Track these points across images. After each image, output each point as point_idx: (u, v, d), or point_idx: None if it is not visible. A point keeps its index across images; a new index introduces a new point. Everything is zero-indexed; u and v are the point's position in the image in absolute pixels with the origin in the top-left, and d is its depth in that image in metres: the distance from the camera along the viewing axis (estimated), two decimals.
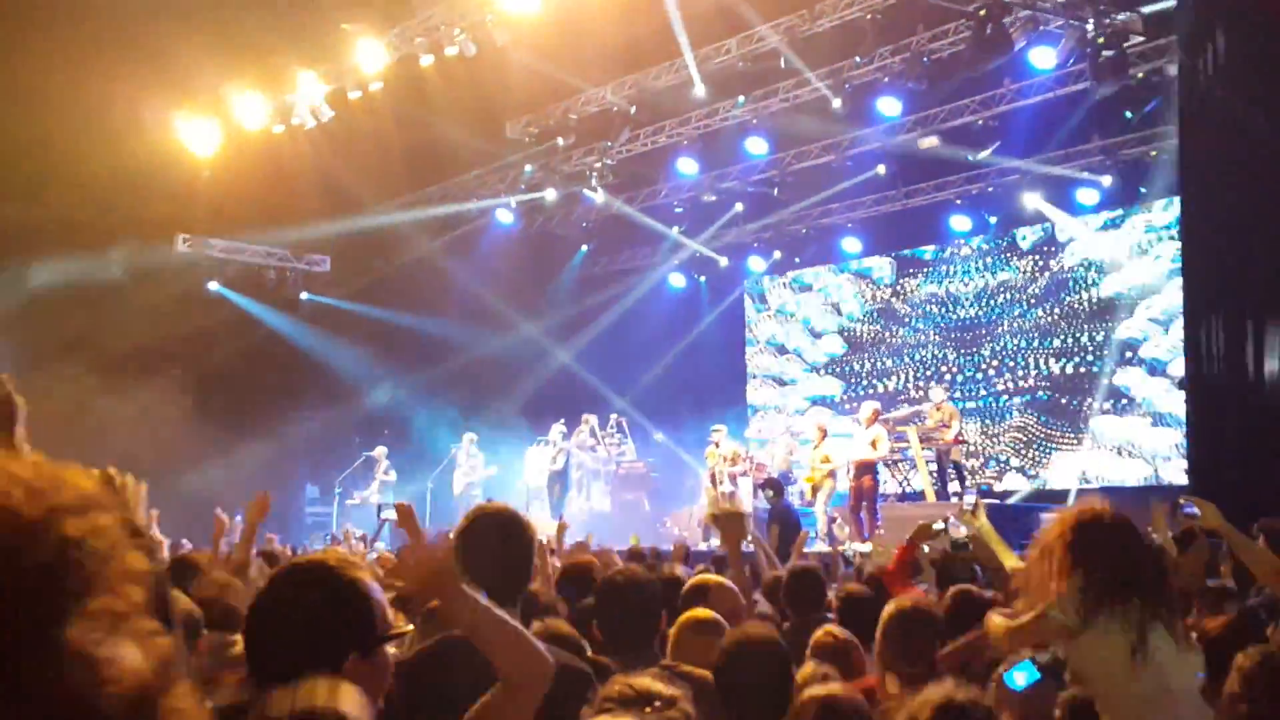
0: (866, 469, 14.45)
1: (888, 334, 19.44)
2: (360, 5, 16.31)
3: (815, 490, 14.91)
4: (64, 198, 19.80)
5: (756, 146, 17.29)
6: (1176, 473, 15.45)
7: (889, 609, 4.04)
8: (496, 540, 3.10)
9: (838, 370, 20.01)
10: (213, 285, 20.00)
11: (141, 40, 16.13)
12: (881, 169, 17.50)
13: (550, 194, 18.82)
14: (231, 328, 19.69)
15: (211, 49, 16.68)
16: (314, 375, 20.15)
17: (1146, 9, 13.66)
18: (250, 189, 18.49)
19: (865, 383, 19.54)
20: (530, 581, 3.06)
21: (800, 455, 16.03)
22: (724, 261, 20.58)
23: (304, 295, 20.57)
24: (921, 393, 18.45)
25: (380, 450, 18.57)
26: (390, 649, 2.18)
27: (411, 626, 2.16)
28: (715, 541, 14.72)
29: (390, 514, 14.76)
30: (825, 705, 2.92)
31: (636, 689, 2.26)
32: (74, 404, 18.66)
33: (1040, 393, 17.51)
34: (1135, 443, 16.52)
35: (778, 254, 20.03)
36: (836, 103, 15.59)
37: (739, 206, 19.21)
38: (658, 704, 2.21)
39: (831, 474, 14.87)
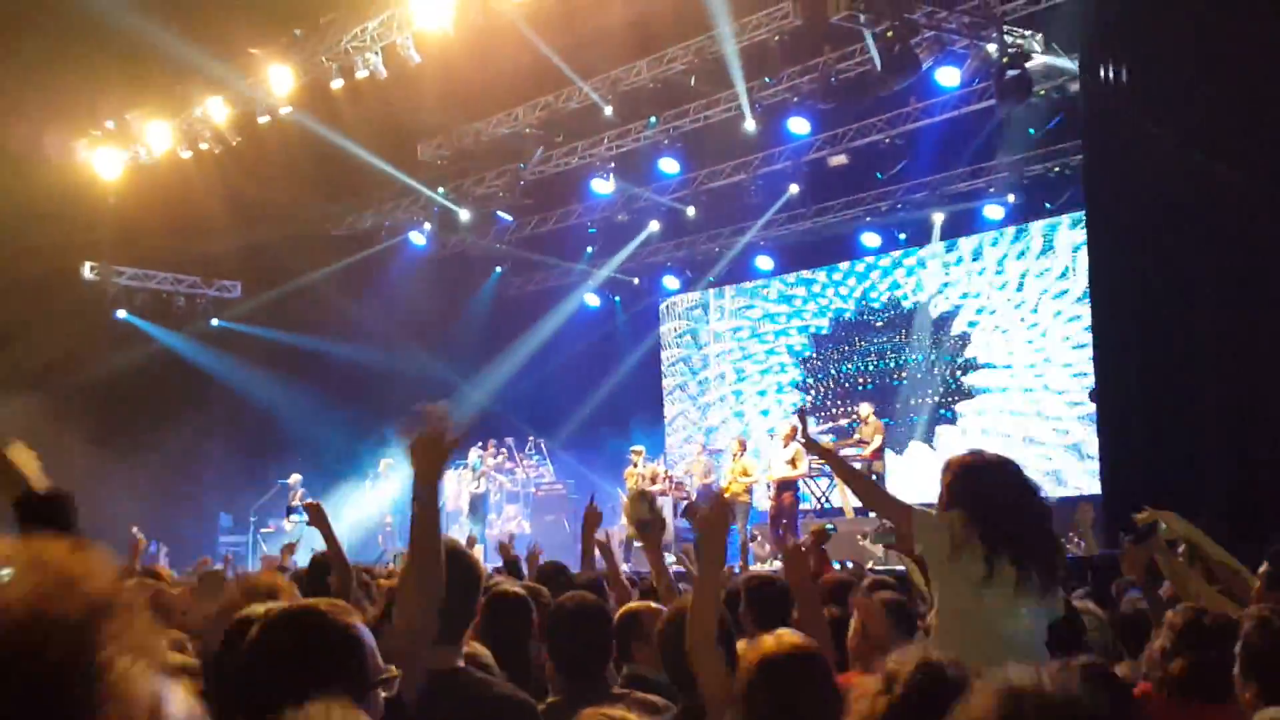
0: (787, 486, 14.55)
1: (805, 350, 19.62)
2: (269, 29, 16.09)
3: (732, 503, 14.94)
4: None
5: (669, 166, 17.43)
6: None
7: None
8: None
9: (755, 387, 20.14)
10: (121, 313, 19.54)
11: (44, 66, 15.76)
12: (794, 188, 17.71)
13: (463, 215, 18.76)
14: (140, 355, 19.26)
15: (116, 74, 16.35)
16: (226, 402, 19.79)
17: (1048, 30, 14.00)
18: (158, 215, 18.15)
19: (783, 400, 19.70)
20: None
21: (718, 472, 16.07)
22: (638, 281, 20.66)
23: (215, 321, 20.20)
24: (839, 408, 18.67)
25: (295, 478, 18.26)
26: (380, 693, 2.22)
27: (399, 671, 2.19)
28: (637, 564, 14.73)
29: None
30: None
31: None
32: None
33: (944, 410, 17.82)
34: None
35: (690, 272, 20.15)
36: (750, 124, 15.77)
37: (653, 226, 19.28)
38: None
39: (749, 489, 14.95)
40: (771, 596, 4.52)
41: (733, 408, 20.32)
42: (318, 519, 6.58)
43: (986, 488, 3.71)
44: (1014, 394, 17.25)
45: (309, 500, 7.79)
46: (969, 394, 17.69)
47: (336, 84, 16.10)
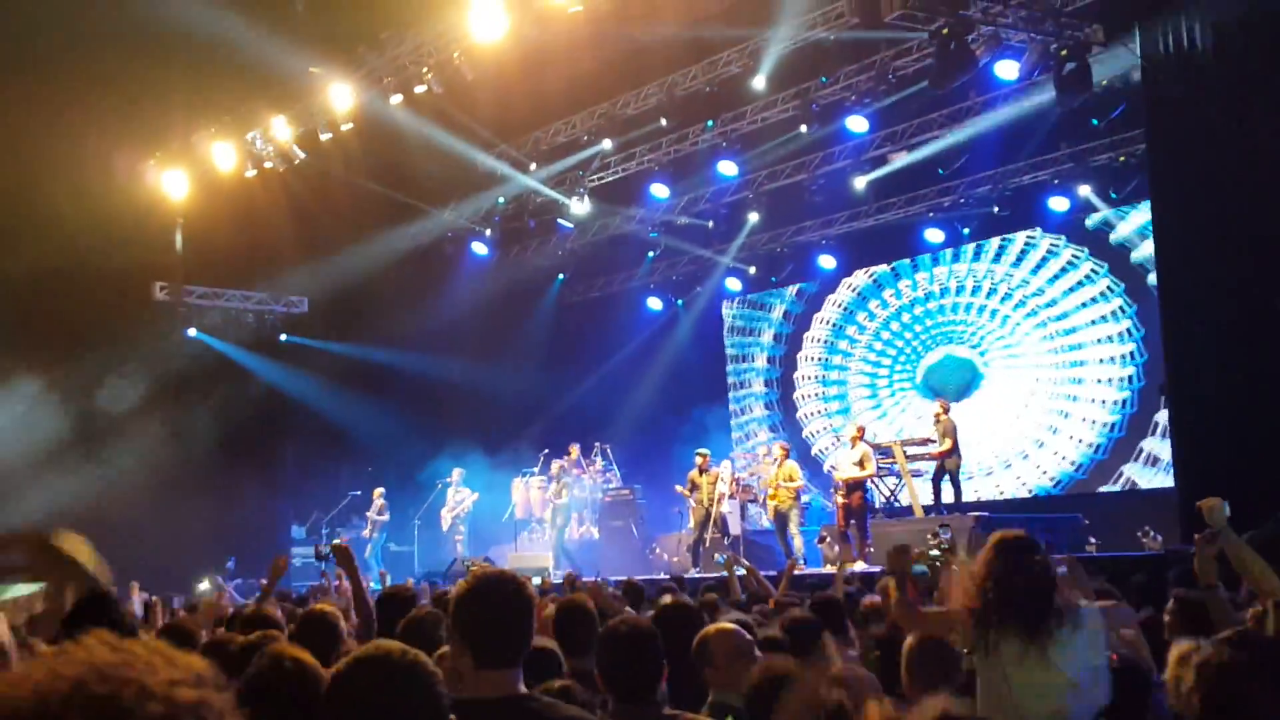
0: (856, 487, 14.47)
1: (869, 349, 19.46)
2: (328, 48, 16.33)
3: (778, 512, 14.88)
4: (40, 249, 19.76)
5: (727, 168, 17.40)
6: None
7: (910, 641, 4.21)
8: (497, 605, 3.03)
9: (817, 388, 20.02)
10: (191, 331, 19.92)
11: (113, 91, 16.14)
12: (855, 185, 17.56)
13: (524, 224, 18.94)
14: (212, 373, 19.62)
15: (182, 97, 16.70)
16: (297, 416, 20.10)
17: (1107, 20, 13.74)
18: (226, 234, 18.48)
19: (850, 399, 19.57)
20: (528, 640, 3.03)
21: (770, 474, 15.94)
22: (699, 284, 20.62)
23: (283, 337, 20.52)
24: (900, 405, 18.55)
25: (379, 490, 18.47)
26: None
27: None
28: (705, 568, 14.74)
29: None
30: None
31: None
32: (55, 454, 18.59)
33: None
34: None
35: (753, 269, 20.02)
36: (802, 126, 15.74)
37: (713, 228, 19.24)
38: None
39: (797, 494, 14.93)
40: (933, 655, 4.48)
41: (798, 409, 20.21)
42: (344, 560, 6.54)
43: (992, 577, 3.87)
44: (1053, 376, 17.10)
45: (338, 540, 7.86)
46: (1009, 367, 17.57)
47: (395, 99, 16.30)
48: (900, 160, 16.91)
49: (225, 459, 18.66)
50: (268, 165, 17.82)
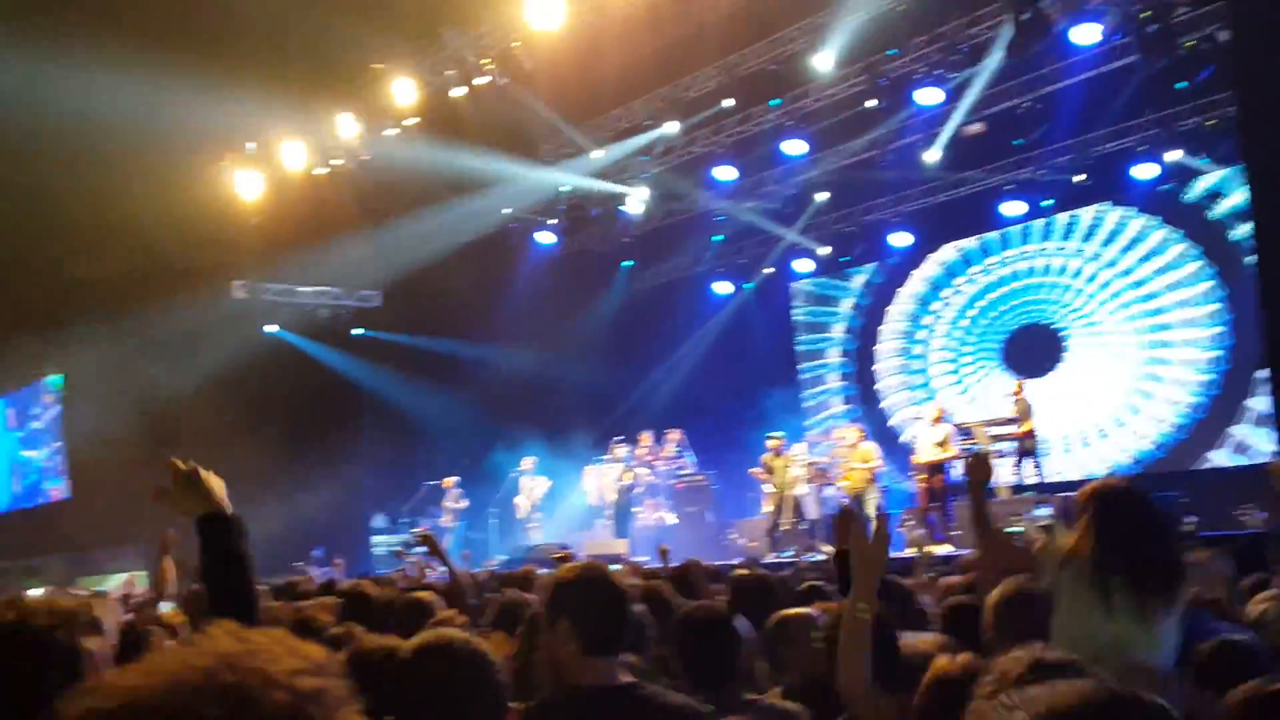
0: (937, 469, 14.16)
1: (952, 324, 18.96)
2: (389, 43, 16.34)
3: (854, 494, 14.64)
4: (124, 253, 20.27)
5: (794, 148, 16.96)
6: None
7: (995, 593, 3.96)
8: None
9: (899, 361, 19.58)
10: (269, 328, 20.24)
11: (189, 94, 16.37)
12: (928, 159, 17.02)
13: (588, 212, 18.81)
14: (290, 368, 19.95)
15: (252, 97, 16.86)
16: (373, 408, 20.36)
17: None
18: (299, 231, 18.71)
19: (929, 375, 19.12)
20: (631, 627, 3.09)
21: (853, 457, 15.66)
22: (767, 266, 20.24)
23: (357, 331, 20.74)
24: (981, 383, 18.07)
25: (451, 479, 18.66)
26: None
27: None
28: (784, 552, 14.53)
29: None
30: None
31: None
32: (142, 452, 19.06)
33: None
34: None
35: (825, 250, 19.59)
36: (871, 101, 15.29)
37: (781, 208, 18.83)
38: None
39: (873, 476, 14.67)
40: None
41: (876, 381, 19.79)
42: (434, 548, 6.82)
43: (1112, 518, 3.79)
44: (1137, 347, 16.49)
45: (421, 529, 7.94)
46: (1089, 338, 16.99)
47: (458, 91, 16.26)
48: (974, 131, 16.35)
49: (303, 452, 18.99)
50: (336, 162, 17.96)
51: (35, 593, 15.06)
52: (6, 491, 23.61)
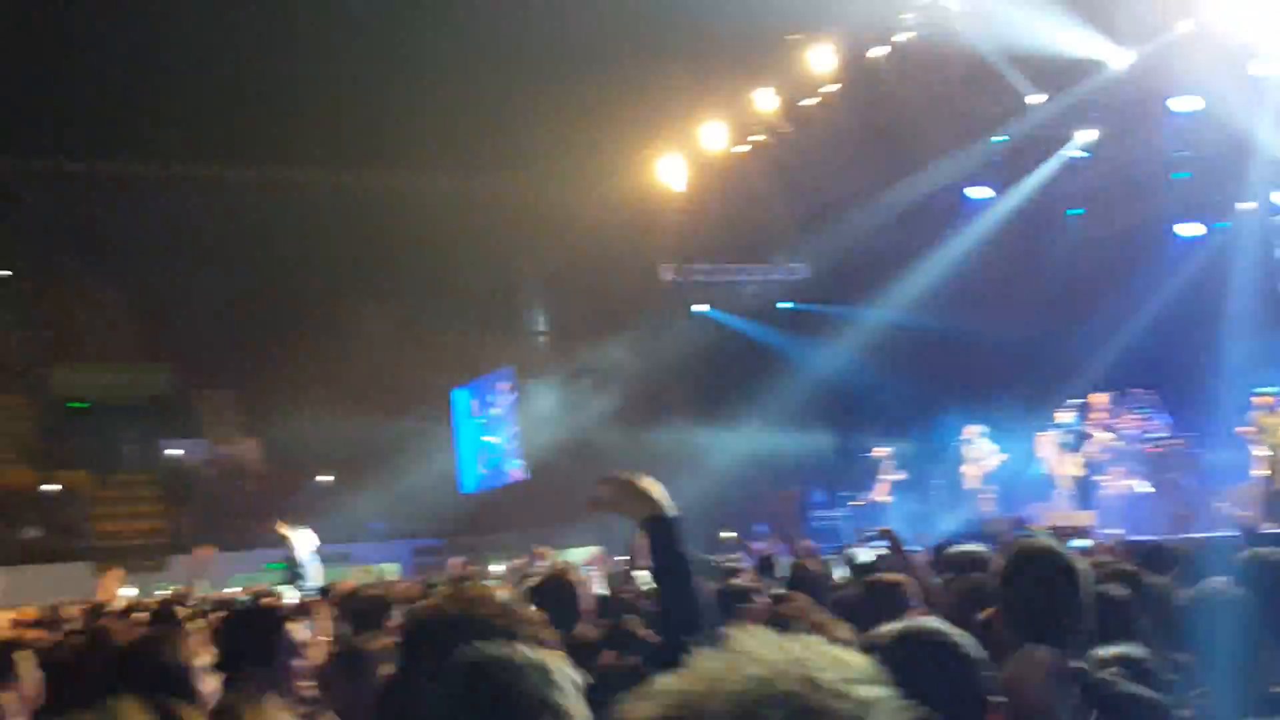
0: None
1: None
2: (804, 11, 16.10)
3: None
4: (561, 247, 21.52)
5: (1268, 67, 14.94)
6: None
7: None
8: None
9: None
10: (698, 307, 20.73)
11: (617, 89, 17.05)
12: None
13: (1028, 161, 17.66)
14: (721, 346, 20.35)
15: (673, 85, 17.26)
16: (804, 382, 20.33)
17: None
18: (723, 211, 18.98)
19: None
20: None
21: None
22: (1241, 201, 18.04)
23: (785, 304, 20.78)
24: None
25: (884, 449, 18.27)
26: None
27: None
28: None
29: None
30: None
31: None
32: (587, 433, 20.16)
33: None
34: None
35: None
36: None
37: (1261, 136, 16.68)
38: None
39: None
40: None
41: None
42: (895, 544, 6.50)
43: None
44: None
45: (884, 527, 7.65)
46: None
47: (878, 51, 15.78)
48: None
49: (736, 428, 19.32)
50: (755, 139, 18.00)
51: (497, 568, 16.22)
52: (474, 474, 25.81)
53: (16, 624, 8.79)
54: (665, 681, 1.08)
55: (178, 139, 21.16)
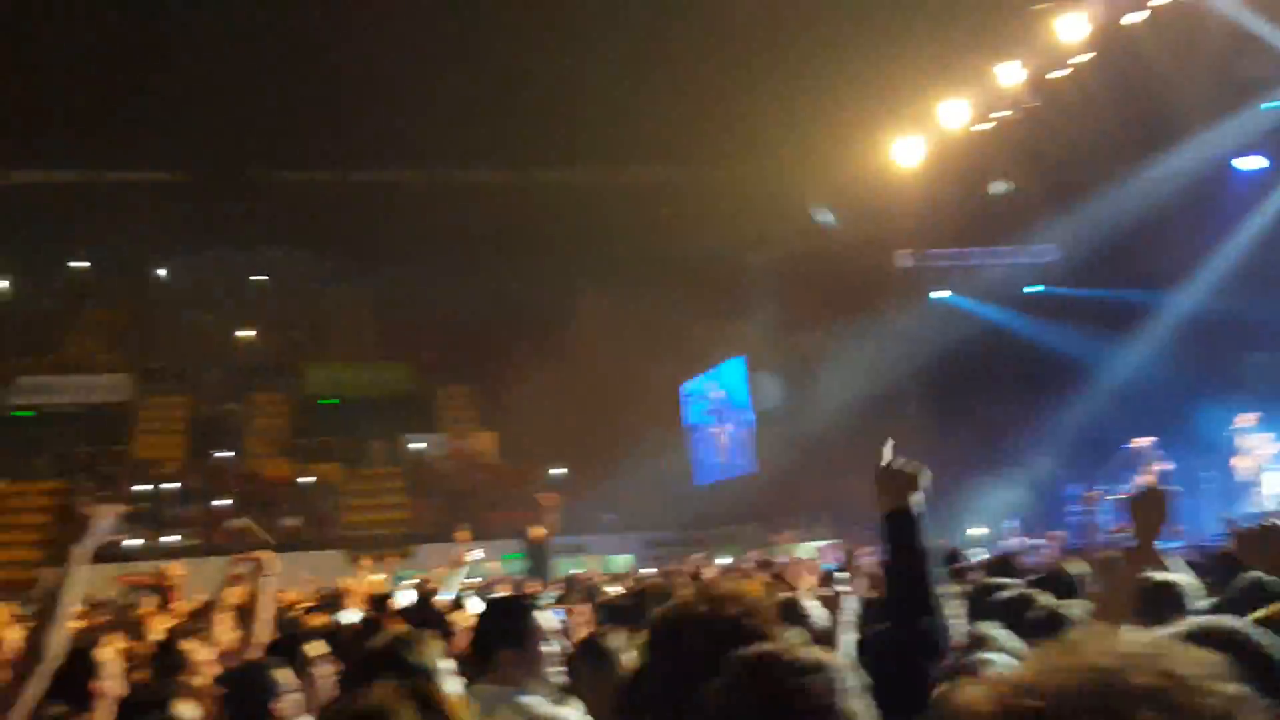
0: None
1: None
2: None
3: None
4: (790, 234, 21.23)
5: None
6: None
7: None
8: None
9: None
10: (938, 293, 20.04)
11: (848, 68, 16.63)
12: None
13: None
14: (963, 332, 19.61)
15: (909, 62, 16.70)
16: (1053, 368, 19.37)
17: None
18: (961, 193, 18.28)
19: None
20: None
21: None
22: None
23: (1034, 288, 19.83)
24: None
25: (1145, 440, 17.13)
26: None
27: None
28: None
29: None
30: None
31: None
32: (819, 426, 19.80)
33: None
34: None
35: None
36: None
37: None
38: None
39: None
40: None
41: None
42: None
43: None
44: None
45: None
46: None
47: (1134, 17, 14.80)
48: None
49: (984, 415, 18.55)
50: (996, 116, 17.20)
51: (723, 561, 16.04)
52: (705, 466, 25.84)
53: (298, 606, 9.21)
54: (1006, 672, 1.04)
55: (428, 147, 21.95)
